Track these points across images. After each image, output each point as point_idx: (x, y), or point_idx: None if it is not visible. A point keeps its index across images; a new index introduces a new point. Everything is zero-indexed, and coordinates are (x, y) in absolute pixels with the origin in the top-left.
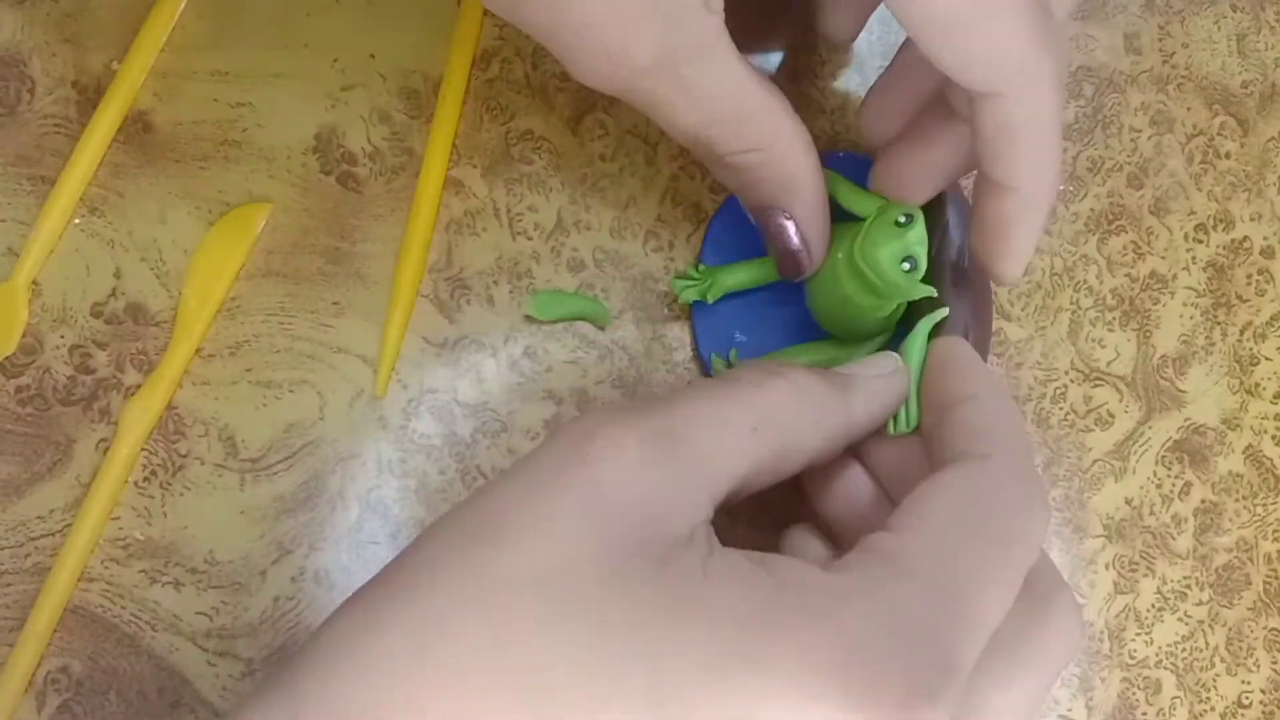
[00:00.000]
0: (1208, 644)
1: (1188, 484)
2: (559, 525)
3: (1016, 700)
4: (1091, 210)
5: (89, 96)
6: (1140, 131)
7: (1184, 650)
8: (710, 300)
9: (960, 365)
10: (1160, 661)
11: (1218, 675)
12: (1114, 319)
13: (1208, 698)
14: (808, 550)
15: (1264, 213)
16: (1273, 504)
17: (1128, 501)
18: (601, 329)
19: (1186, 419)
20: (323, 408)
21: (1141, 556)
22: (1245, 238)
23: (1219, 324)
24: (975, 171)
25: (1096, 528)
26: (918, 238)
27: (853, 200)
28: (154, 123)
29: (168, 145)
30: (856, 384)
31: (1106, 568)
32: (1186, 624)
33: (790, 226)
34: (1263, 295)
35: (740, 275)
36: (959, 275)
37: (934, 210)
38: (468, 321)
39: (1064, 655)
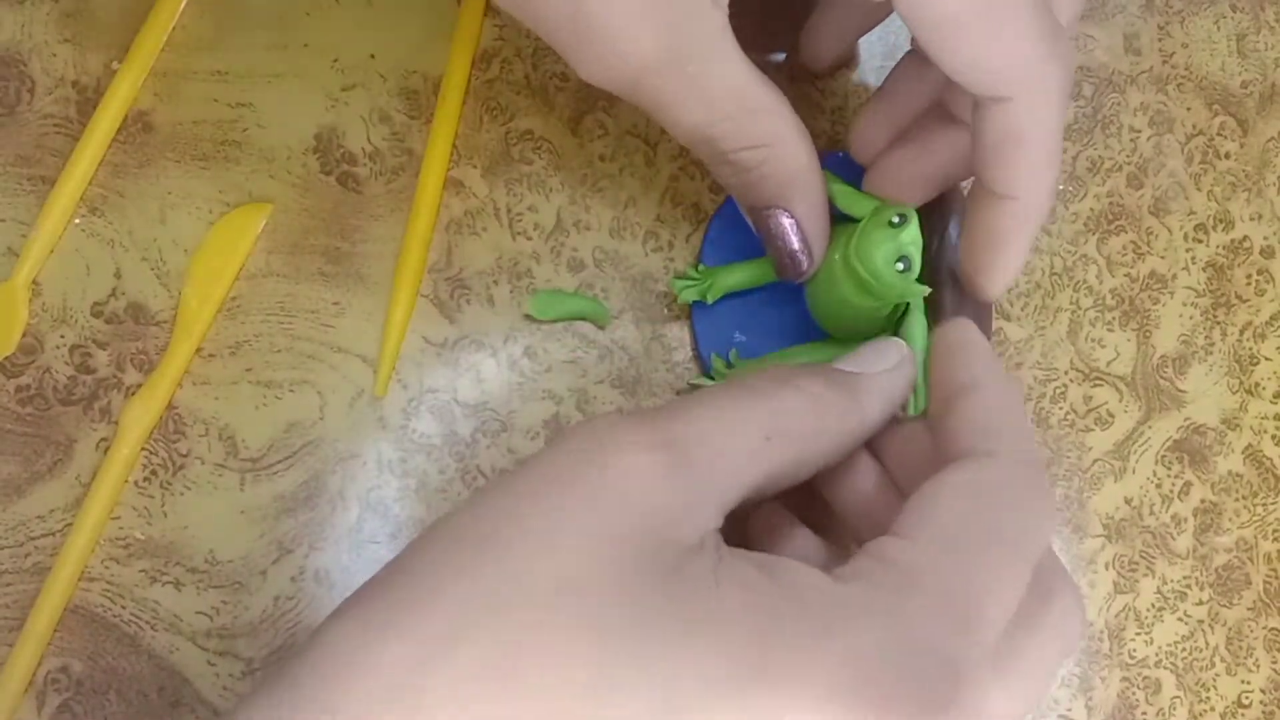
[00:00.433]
0: (1207, 644)
1: (1187, 484)
2: (570, 536)
3: (1016, 697)
4: (1091, 210)
5: (89, 96)
6: (1140, 131)
7: (1184, 650)
8: (709, 300)
9: (966, 351)
10: (1160, 661)
11: (1217, 675)
12: (1114, 319)
13: (1207, 697)
14: (810, 552)
15: (1264, 213)
16: (1272, 504)
17: (1127, 501)
18: (601, 329)
19: (1186, 419)
20: (323, 407)
21: (1141, 556)
22: (1245, 238)
23: (1219, 324)
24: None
25: (1096, 527)
26: (911, 238)
27: (849, 202)
28: (154, 123)
29: (168, 145)
30: (868, 384)
31: (1106, 567)
32: (1186, 624)
33: (791, 226)
34: (1262, 295)
35: (739, 275)
36: (958, 274)
37: (935, 212)
38: (468, 321)
39: (1064, 652)
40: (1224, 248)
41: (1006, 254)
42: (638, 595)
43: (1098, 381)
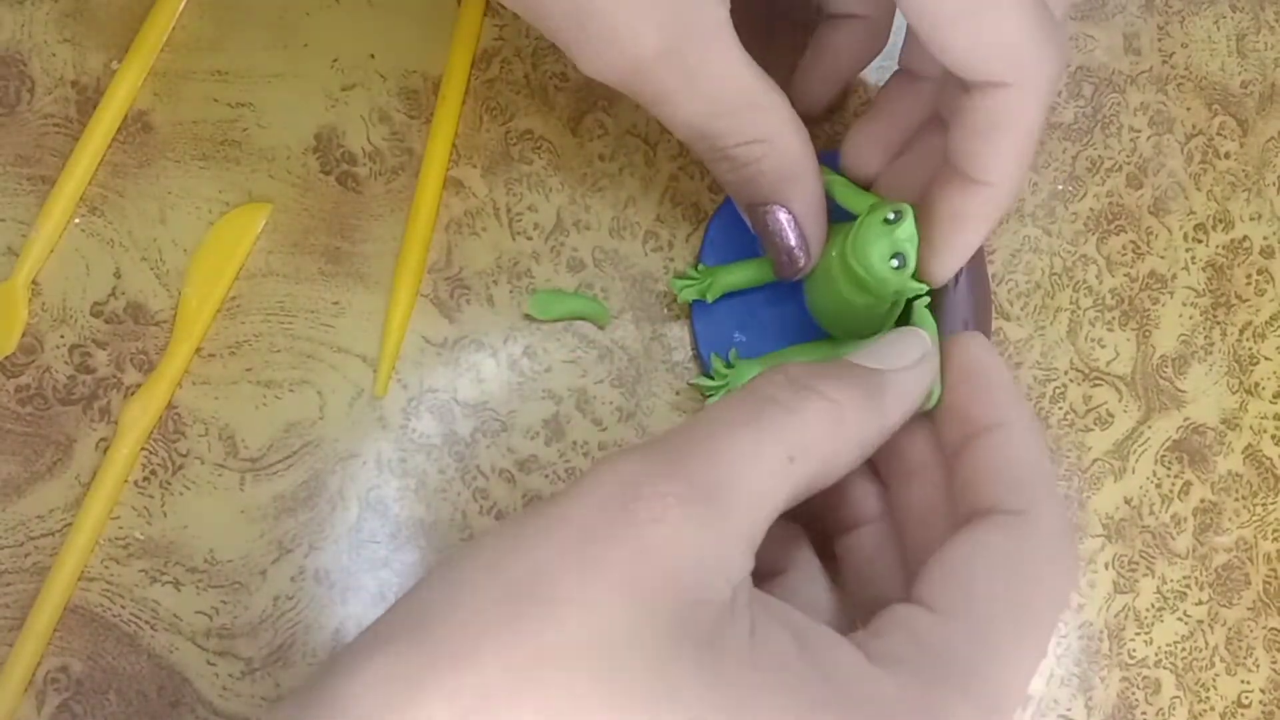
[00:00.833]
0: (1207, 644)
1: (1187, 484)
2: (608, 598)
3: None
4: (1091, 210)
5: (89, 96)
6: (1139, 131)
7: (1183, 650)
8: (709, 300)
9: (988, 380)
10: (1160, 661)
11: (1217, 675)
12: (1113, 319)
13: (1207, 697)
14: (816, 593)
15: (1263, 213)
16: (1272, 504)
17: (1127, 501)
18: (601, 328)
19: (1186, 419)
20: (323, 407)
21: (1141, 556)
22: (1245, 237)
23: (1218, 324)
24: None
25: (1096, 527)
26: (906, 234)
27: (848, 198)
28: (154, 123)
29: (168, 145)
30: (890, 385)
31: (1106, 567)
32: (1186, 624)
33: (788, 222)
34: (1262, 295)
35: (739, 275)
36: (959, 274)
37: None
38: (467, 321)
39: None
40: (1224, 248)
41: (966, 239)
42: (673, 670)
43: (1097, 381)
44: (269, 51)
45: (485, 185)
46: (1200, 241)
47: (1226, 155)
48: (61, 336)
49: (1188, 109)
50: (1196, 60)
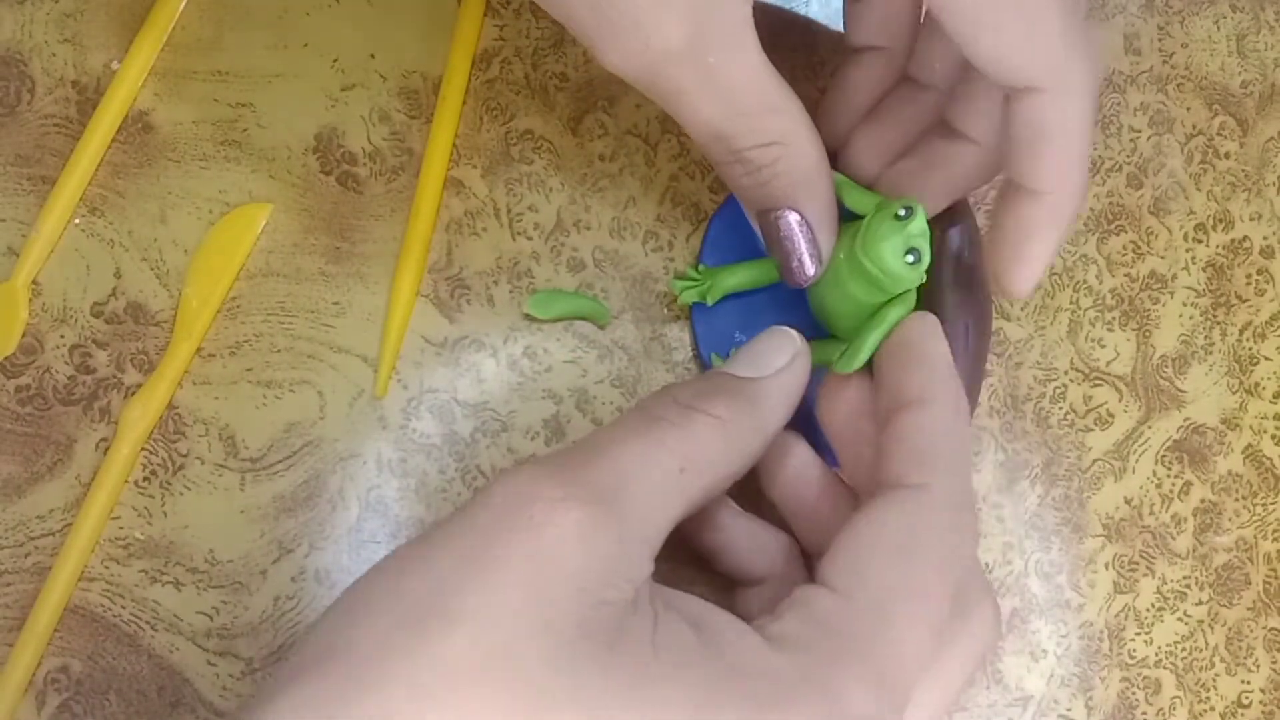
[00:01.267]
0: (1207, 644)
1: (1187, 484)
2: (506, 604)
3: (930, 708)
4: (1091, 210)
5: (89, 96)
6: (1140, 131)
7: (1184, 650)
8: (710, 302)
9: (919, 357)
10: (1160, 661)
11: (1217, 675)
12: (1113, 319)
13: (1207, 697)
14: (764, 541)
15: (1263, 213)
16: (1272, 504)
17: (1127, 501)
18: (601, 328)
19: (1186, 419)
20: (323, 407)
21: (1141, 556)
22: (1245, 237)
23: (1218, 324)
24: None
25: (1096, 527)
26: (919, 229)
27: (854, 197)
28: (154, 123)
29: (168, 145)
30: (767, 390)
31: (1106, 567)
32: (1186, 624)
33: (801, 228)
34: (1262, 295)
35: (740, 276)
36: (959, 274)
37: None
38: (468, 321)
39: (979, 660)
40: (1224, 247)
41: (1035, 250)
42: (577, 670)
43: (1097, 381)
44: (269, 51)
45: (485, 185)
46: (1200, 241)
47: (1226, 155)
48: (62, 336)
49: (1188, 109)
50: (1196, 60)
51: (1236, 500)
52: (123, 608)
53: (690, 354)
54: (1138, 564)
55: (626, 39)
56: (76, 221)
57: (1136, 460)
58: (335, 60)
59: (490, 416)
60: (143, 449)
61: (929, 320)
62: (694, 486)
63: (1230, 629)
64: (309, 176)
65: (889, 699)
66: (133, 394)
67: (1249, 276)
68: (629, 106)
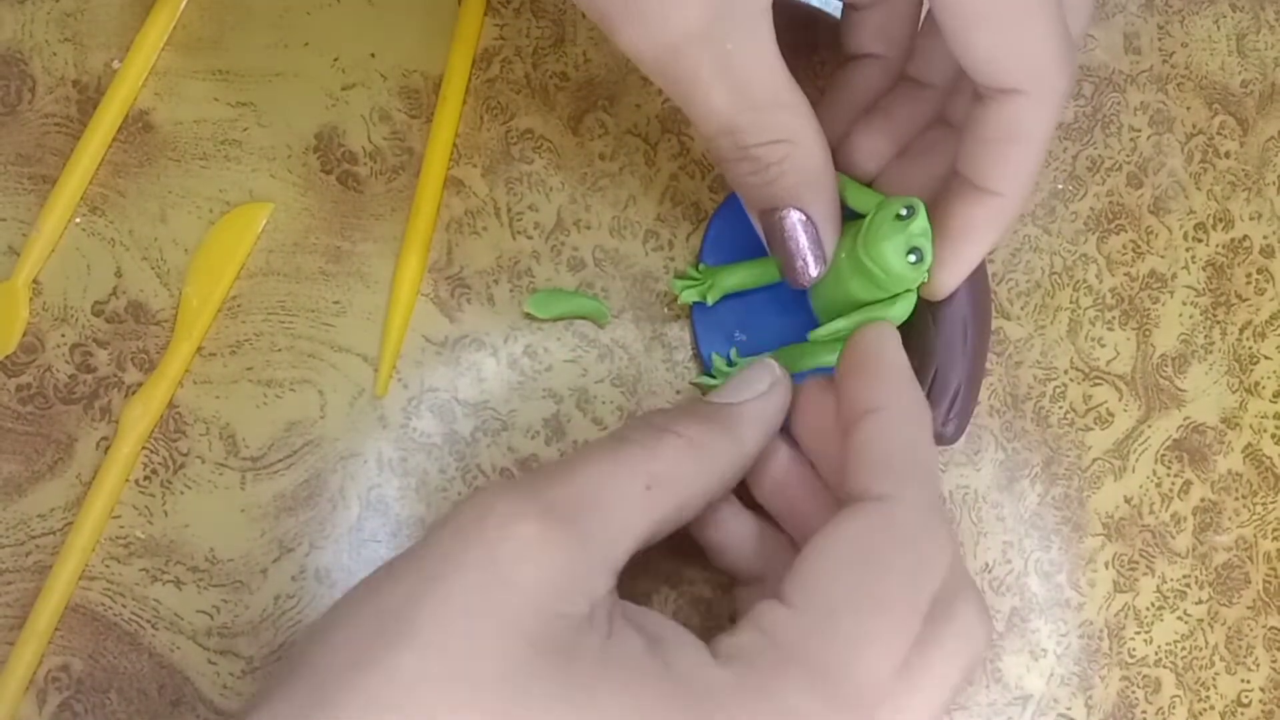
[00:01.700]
0: (1207, 643)
1: (1187, 483)
2: (464, 618)
3: (916, 714)
4: (1091, 210)
5: (89, 95)
6: (1140, 131)
7: (1183, 649)
8: (710, 302)
9: (875, 367)
10: (1160, 660)
11: (1217, 674)
12: (1113, 318)
13: (1207, 696)
14: (748, 533)
15: (1263, 212)
16: (1272, 503)
17: (1127, 500)
18: (601, 327)
19: (1186, 418)
20: (323, 406)
21: (1141, 555)
22: (1245, 237)
23: (1218, 323)
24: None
25: (1096, 526)
26: (921, 228)
27: (855, 196)
28: (154, 122)
29: (168, 144)
30: (741, 415)
31: (1106, 566)
32: (1186, 623)
33: (805, 228)
34: (1262, 294)
35: (739, 276)
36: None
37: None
38: (468, 320)
39: (968, 663)
40: (1224, 247)
41: (970, 251)
42: (531, 683)
43: (1097, 381)
44: (270, 51)
45: (486, 185)
46: (1200, 241)
47: (1226, 155)
48: (62, 336)
49: (1188, 108)
50: (1196, 60)
51: (1236, 499)
52: (123, 606)
53: (690, 353)
54: (1137, 563)
55: (646, 17)
56: (77, 221)
57: (1136, 459)
58: (336, 59)
59: (491, 415)
60: (143, 448)
61: (885, 328)
62: (662, 505)
63: (1230, 628)
64: (309, 176)
65: (839, 705)
66: (133, 393)
67: (1249, 276)
68: (629, 106)
